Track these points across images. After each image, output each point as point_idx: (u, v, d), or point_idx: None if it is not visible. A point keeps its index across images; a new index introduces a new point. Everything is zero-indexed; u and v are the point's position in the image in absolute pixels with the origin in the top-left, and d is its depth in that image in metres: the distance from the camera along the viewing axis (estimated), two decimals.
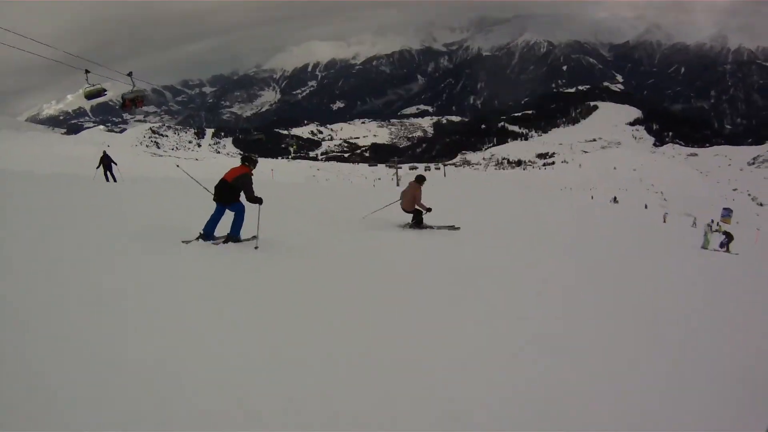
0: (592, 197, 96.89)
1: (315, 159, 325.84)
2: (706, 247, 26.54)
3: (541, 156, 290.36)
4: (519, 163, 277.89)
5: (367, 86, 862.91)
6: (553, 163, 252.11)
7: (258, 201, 10.43)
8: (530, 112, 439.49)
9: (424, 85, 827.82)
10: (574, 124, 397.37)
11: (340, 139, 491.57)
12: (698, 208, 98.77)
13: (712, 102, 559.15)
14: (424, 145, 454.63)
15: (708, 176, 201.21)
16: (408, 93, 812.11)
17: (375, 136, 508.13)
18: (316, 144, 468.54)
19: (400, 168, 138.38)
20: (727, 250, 26.40)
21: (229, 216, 10.62)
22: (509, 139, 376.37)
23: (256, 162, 10.86)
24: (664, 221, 50.65)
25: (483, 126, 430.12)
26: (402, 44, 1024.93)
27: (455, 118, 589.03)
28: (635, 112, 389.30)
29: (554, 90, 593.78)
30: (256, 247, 10.27)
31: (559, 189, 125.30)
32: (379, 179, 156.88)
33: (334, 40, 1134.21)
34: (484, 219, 24.43)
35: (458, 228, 16.67)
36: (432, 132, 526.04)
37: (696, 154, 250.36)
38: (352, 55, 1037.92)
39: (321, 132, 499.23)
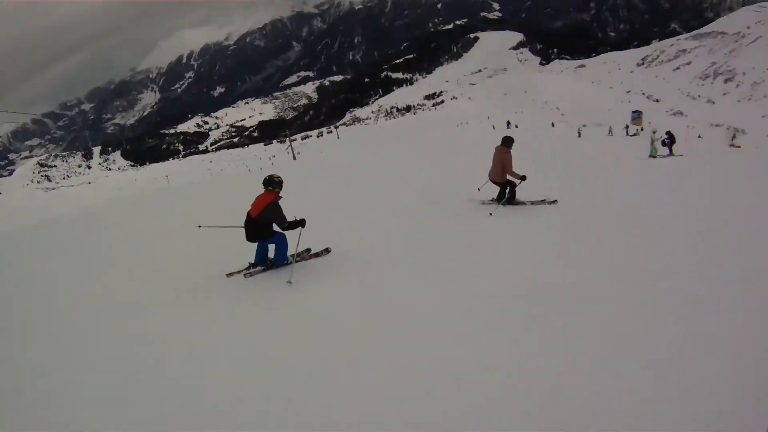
0: (493, 127, 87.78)
1: (206, 151, 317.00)
2: (654, 155, 25.38)
3: (429, 97, 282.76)
4: (408, 108, 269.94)
5: (244, 65, 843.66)
6: (443, 101, 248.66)
7: (296, 226, 8.82)
8: (411, 56, 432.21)
9: (301, 51, 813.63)
10: (457, 60, 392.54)
11: (227, 125, 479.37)
12: (600, 116, 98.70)
13: (593, 13, 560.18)
14: (311, 112, 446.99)
15: (600, 83, 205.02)
16: (286, 62, 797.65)
17: (261, 114, 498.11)
18: (204, 136, 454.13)
19: (294, 140, 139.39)
20: (671, 153, 26.48)
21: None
22: (395, 87, 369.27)
23: (281, 183, 9.08)
24: (579, 135, 49.57)
25: (366, 80, 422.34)
26: (272, 14, 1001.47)
27: (337, 78, 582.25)
28: (517, 36, 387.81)
29: (432, 29, 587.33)
30: (288, 282, 8.40)
31: (455, 125, 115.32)
32: (274, 156, 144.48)
33: (203, 26, 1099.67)
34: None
35: (555, 201, 12.39)
36: (317, 97, 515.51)
37: (584, 65, 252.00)
38: (225, 36, 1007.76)
39: (206, 122, 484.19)
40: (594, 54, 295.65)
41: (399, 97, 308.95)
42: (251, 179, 24.35)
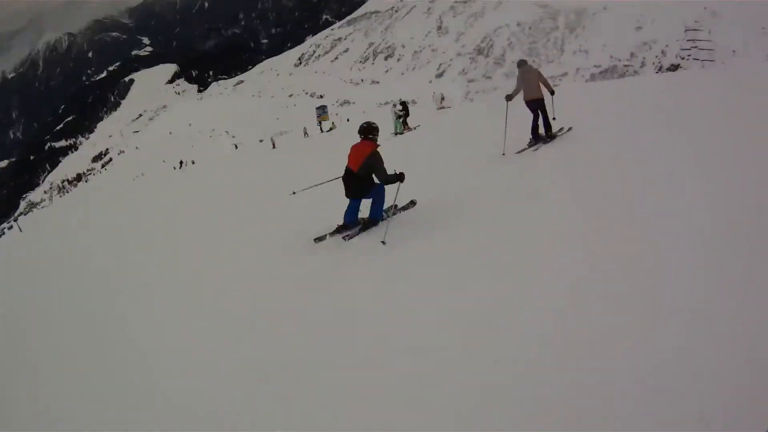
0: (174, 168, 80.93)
1: None
2: (400, 131, 26.28)
3: (96, 159, 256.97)
4: (79, 177, 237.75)
5: None
6: (111, 160, 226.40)
7: (397, 179, 8.25)
8: (70, 118, 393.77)
9: None
10: (116, 109, 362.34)
11: None
12: (273, 126, 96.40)
13: (243, 24, 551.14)
14: None
15: (262, 95, 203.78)
16: None
17: None
18: None
19: None
20: (407, 128, 26.86)
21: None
22: (61, 158, 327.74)
23: (378, 130, 8.72)
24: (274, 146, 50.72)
25: (32, 158, 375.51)
26: None
27: (2, 164, 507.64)
28: (171, 68, 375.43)
29: (86, 82, 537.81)
30: (383, 242, 7.97)
31: (131, 179, 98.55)
32: None
33: None
34: None
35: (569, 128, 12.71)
36: None
37: (243, 81, 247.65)
38: None
39: None
40: (251, 66, 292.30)
41: (67, 167, 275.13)
42: None
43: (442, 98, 47.68)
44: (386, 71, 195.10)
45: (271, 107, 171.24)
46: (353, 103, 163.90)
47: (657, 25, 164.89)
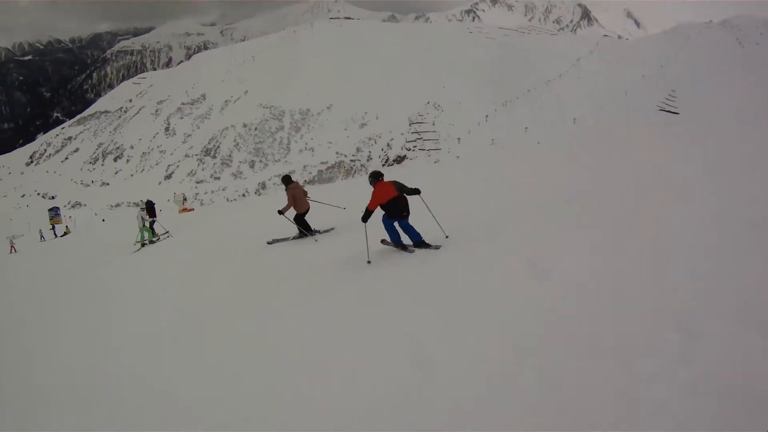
0: None
1: None
2: (150, 239, 22.57)
3: None
4: None
5: None
6: None
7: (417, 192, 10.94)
8: None
9: None
10: None
11: None
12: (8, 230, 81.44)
13: None
14: None
15: None
16: None
17: None
18: None
19: None
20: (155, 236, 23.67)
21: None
22: None
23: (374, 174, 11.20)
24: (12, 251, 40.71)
25: None
26: None
27: None
28: None
29: None
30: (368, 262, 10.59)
31: None
32: None
33: None
34: None
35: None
36: None
37: None
38: None
39: None
40: None
41: None
42: None
43: (185, 199, 47.21)
44: (116, 172, 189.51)
45: (4, 208, 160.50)
46: (84, 205, 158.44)
47: (381, 121, 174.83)
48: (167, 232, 23.97)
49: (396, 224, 10.61)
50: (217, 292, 11.55)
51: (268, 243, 15.12)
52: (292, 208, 14.40)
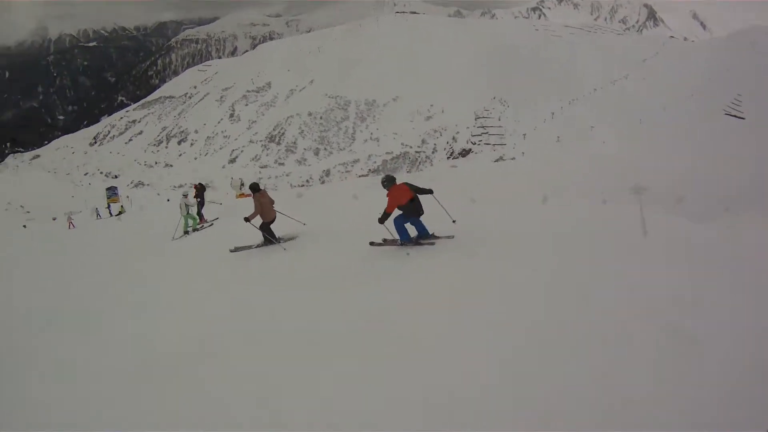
0: None
1: None
2: (195, 226, 21.45)
3: None
4: None
5: None
6: None
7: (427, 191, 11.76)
8: None
9: None
10: None
11: None
12: (68, 207, 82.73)
13: (42, 98, 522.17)
14: None
15: (57, 172, 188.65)
16: None
17: None
18: None
19: None
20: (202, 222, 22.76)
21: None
22: None
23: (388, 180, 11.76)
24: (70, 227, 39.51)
25: None
26: None
27: None
28: None
29: None
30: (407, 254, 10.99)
31: None
32: None
33: None
34: None
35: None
36: None
37: (39, 155, 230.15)
38: None
39: None
40: (47, 142, 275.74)
41: None
42: None
43: (242, 184, 45.67)
44: (180, 155, 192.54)
45: (66, 186, 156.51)
46: (148, 184, 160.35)
47: (447, 114, 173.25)
48: (216, 219, 23.19)
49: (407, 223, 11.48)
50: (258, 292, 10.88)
51: (231, 251, 15.10)
52: (258, 216, 14.40)
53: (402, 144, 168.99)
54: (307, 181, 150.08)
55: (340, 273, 10.64)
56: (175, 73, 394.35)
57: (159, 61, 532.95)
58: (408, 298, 8.33)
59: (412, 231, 11.49)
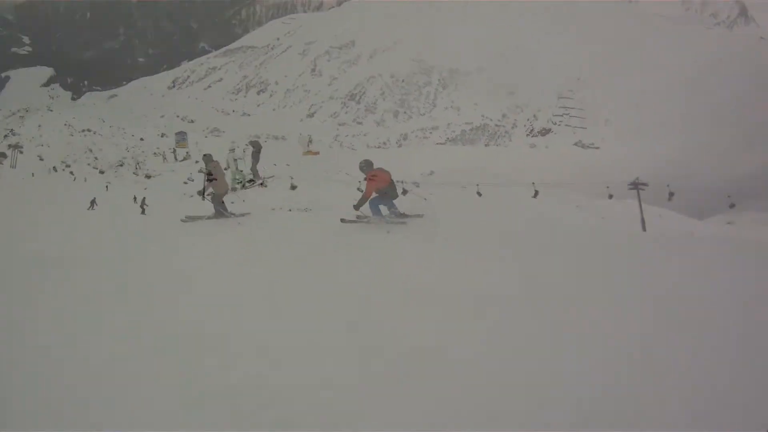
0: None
1: None
2: (247, 181, 21.40)
3: None
4: None
5: None
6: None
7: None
8: None
9: None
10: None
11: None
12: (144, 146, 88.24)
13: (122, 39, 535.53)
14: None
15: (133, 112, 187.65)
16: None
17: None
18: None
19: None
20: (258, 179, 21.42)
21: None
22: None
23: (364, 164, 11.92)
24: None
25: None
26: None
27: None
28: (47, 72, 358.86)
29: None
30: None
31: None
32: None
33: None
34: None
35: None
36: None
37: (116, 95, 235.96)
38: None
39: None
40: (125, 82, 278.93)
41: None
42: None
43: (310, 141, 46.50)
44: (258, 105, 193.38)
45: (146, 128, 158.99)
46: (224, 132, 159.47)
47: (530, 91, 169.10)
48: (272, 176, 22.98)
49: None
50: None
51: (182, 221, 14.45)
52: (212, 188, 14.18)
53: (482, 116, 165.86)
54: (384, 143, 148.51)
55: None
56: (259, 24, 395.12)
57: (243, 11, 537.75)
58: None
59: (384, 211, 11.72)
